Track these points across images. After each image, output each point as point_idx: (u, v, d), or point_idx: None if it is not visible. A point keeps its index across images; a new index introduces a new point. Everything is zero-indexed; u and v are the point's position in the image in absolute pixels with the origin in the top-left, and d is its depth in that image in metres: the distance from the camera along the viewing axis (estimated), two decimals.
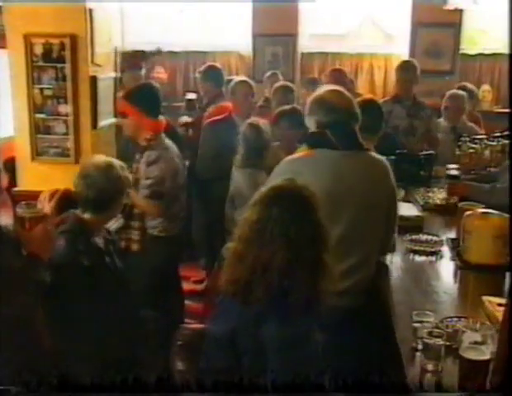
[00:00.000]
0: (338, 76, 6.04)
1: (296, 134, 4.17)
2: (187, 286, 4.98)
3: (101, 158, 3.07)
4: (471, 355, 2.03)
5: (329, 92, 2.93)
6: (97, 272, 2.79)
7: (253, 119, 4.12)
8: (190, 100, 5.92)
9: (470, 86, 6.27)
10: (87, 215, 2.95)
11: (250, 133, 3.92)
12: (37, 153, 3.95)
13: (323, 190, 2.40)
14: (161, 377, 2.32)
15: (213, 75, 5.35)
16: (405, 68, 5.34)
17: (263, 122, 4.03)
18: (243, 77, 5.24)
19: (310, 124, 2.92)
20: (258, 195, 2.17)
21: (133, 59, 5.18)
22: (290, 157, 2.92)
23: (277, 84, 5.44)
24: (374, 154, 2.93)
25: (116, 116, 4.13)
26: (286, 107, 4.35)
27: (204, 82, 5.38)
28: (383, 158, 2.96)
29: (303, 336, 2.08)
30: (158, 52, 5.75)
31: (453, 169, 4.23)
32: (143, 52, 5.40)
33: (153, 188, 3.65)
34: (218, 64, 5.86)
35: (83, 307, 2.67)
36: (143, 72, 5.37)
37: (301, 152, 2.94)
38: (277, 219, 2.05)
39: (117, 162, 3.05)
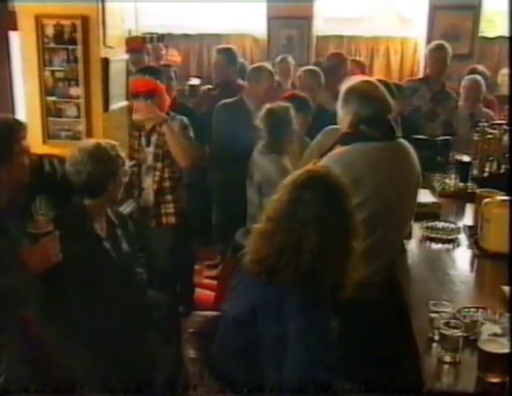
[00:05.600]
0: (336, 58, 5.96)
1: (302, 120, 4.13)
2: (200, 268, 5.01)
3: (88, 142, 3.03)
4: (491, 347, 1.99)
5: (365, 83, 2.97)
6: (91, 259, 2.75)
7: (277, 102, 4.03)
8: (193, 85, 5.90)
9: (481, 68, 6.17)
10: (86, 201, 2.91)
11: (274, 116, 3.85)
12: (48, 136, 3.93)
13: (361, 180, 2.63)
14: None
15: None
16: (439, 49, 5.30)
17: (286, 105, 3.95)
18: (265, 64, 5.10)
19: (345, 114, 2.92)
20: (291, 177, 2.18)
21: (134, 44, 5.11)
22: (334, 151, 2.90)
23: (304, 68, 5.35)
24: (404, 142, 2.97)
25: (128, 99, 4.08)
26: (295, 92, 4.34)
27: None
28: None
29: (322, 320, 2.07)
30: (161, 38, 5.71)
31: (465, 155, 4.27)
32: (143, 38, 5.35)
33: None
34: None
35: (81, 295, 2.65)
36: (145, 56, 5.31)
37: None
38: (309, 202, 2.06)
39: (107, 143, 3.00)
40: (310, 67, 5.47)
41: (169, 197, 3.92)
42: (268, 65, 5.02)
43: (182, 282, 4.31)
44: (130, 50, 5.06)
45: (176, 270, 4.02)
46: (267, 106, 3.88)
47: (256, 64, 5.00)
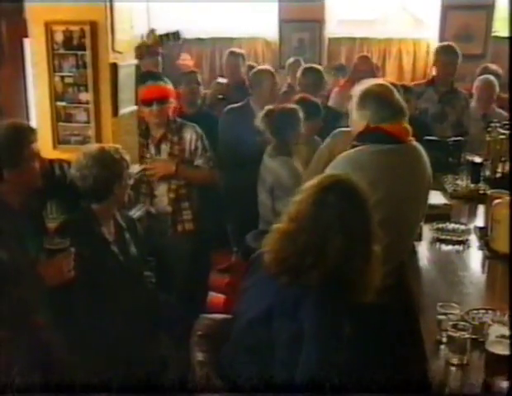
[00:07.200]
0: (364, 62, 6.00)
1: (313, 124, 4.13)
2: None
3: (92, 146, 3.06)
4: (498, 349, 1.96)
5: (380, 86, 2.95)
6: (99, 262, 2.76)
7: (282, 104, 4.03)
8: (220, 83, 5.98)
9: (493, 67, 6.09)
10: (94, 205, 2.93)
11: (275, 118, 3.84)
12: (59, 141, 3.94)
13: (373, 183, 2.47)
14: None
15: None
16: (447, 51, 5.17)
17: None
18: (266, 67, 5.13)
19: (360, 118, 2.89)
20: (315, 180, 2.20)
21: (149, 47, 5.15)
22: (346, 153, 2.90)
23: (305, 66, 5.37)
24: (417, 145, 2.94)
25: (137, 104, 4.09)
26: (304, 95, 4.34)
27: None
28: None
29: (338, 322, 2.08)
30: (176, 35, 5.73)
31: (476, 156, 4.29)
32: (159, 37, 5.37)
33: (213, 157, 3.98)
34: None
35: (89, 298, 2.66)
36: (160, 58, 5.35)
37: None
38: (334, 206, 2.09)
39: (111, 146, 3.03)
40: (310, 65, 5.48)
41: (186, 204, 3.94)
42: (268, 66, 5.06)
43: (198, 286, 4.33)
44: (150, 54, 5.12)
45: (194, 274, 4.05)
46: (267, 107, 3.88)
47: (256, 68, 5.02)
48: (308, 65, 5.47)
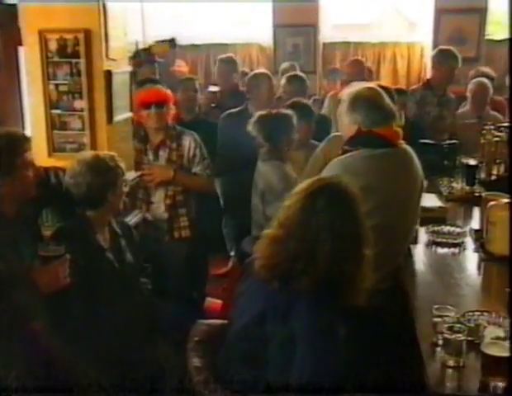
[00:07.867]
0: (357, 66, 6.02)
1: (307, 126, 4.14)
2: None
3: (87, 154, 3.06)
4: (494, 351, 1.96)
5: (369, 90, 2.95)
6: (94, 269, 2.76)
7: (276, 109, 4.04)
8: (213, 92, 5.98)
9: (485, 69, 6.12)
10: (88, 212, 2.93)
11: (267, 123, 3.84)
12: (54, 149, 3.93)
13: (367, 188, 2.49)
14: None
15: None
16: (447, 56, 5.18)
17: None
18: (263, 70, 5.15)
19: (351, 122, 2.89)
20: (304, 184, 2.18)
21: (146, 55, 5.18)
22: (338, 158, 2.91)
23: (288, 74, 5.40)
24: (408, 148, 2.94)
25: (132, 110, 4.09)
26: (297, 99, 4.34)
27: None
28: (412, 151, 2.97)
29: (330, 325, 2.06)
30: (172, 42, 5.73)
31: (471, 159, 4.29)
32: (154, 46, 5.39)
33: (211, 165, 4.02)
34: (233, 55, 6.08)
35: (85, 305, 2.66)
36: (156, 65, 5.37)
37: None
38: (323, 211, 2.07)
39: (106, 154, 3.03)
40: (294, 73, 5.50)
41: (183, 210, 3.94)
42: (265, 70, 5.07)
43: (197, 292, 4.33)
44: (147, 62, 5.13)
45: (192, 280, 4.05)
46: (258, 112, 3.89)
47: (252, 73, 5.04)
48: (292, 73, 5.51)
